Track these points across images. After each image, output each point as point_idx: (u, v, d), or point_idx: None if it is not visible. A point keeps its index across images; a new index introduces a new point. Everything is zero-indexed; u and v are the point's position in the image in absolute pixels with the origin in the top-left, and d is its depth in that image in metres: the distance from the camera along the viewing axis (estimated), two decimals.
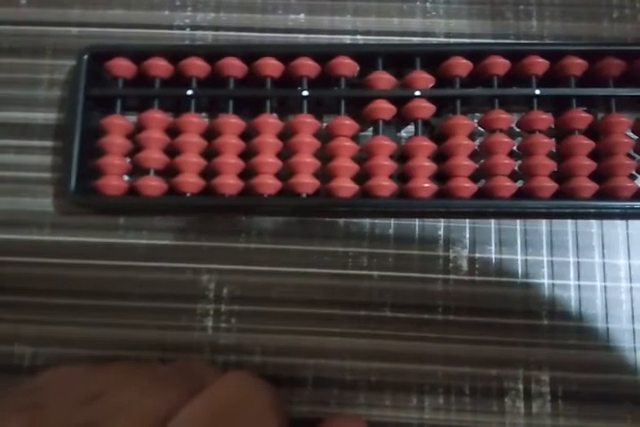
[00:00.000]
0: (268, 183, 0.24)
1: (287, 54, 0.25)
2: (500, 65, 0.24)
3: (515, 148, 0.25)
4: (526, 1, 0.27)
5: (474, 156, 0.24)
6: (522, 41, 0.26)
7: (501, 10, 0.27)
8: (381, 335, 0.23)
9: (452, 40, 0.27)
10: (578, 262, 0.24)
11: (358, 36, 0.27)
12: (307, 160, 0.24)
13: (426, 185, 0.23)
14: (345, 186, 0.24)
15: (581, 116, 0.24)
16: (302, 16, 0.27)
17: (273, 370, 0.23)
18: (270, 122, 0.24)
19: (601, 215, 0.24)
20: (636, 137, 0.25)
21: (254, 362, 0.23)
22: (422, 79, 0.24)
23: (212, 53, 0.25)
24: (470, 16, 0.27)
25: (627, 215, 0.24)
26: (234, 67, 0.25)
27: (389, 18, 0.27)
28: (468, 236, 0.24)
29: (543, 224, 0.24)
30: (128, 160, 0.25)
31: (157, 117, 0.24)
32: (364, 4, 0.27)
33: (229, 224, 0.25)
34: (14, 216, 0.25)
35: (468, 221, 0.25)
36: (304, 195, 0.24)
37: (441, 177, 0.24)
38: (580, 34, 0.27)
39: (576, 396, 0.23)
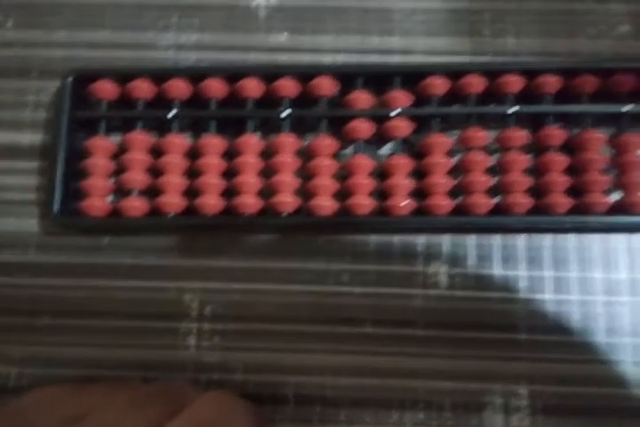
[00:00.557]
0: (249, 203, 0.24)
1: (268, 75, 0.25)
2: (477, 83, 0.25)
3: (492, 164, 0.25)
4: (503, 18, 0.28)
5: (453, 172, 0.25)
6: (499, 58, 0.27)
7: (479, 27, 0.28)
8: (363, 351, 0.24)
9: (431, 58, 0.27)
10: (555, 277, 0.25)
11: (340, 55, 0.27)
12: (287, 179, 0.24)
13: (403, 203, 0.24)
14: (325, 204, 0.24)
15: (556, 134, 0.24)
16: (285, 35, 0.28)
17: (255, 388, 0.24)
18: (252, 142, 0.25)
19: (578, 230, 0.25)
20: (611, 152, 0.25)
21: (236, 380, 0.24)
22: (401, 98, 0.25)
23: (195, 75, 0.25)
24: (448, 34, 0.27)
25: (603, 229, 0.25)
26: (216, 88, 0.25)
27: (370, 36, 0.27)
28: (446, 251, 0.25)
29: (521, 239, 0.25)
30: (112, 181, 0.25)
31: (140, 139, 0.25)
32: (345, 23, 0.28)
33: (212, 243, 0.25)
34: None
35: (446, 236, 0.25)
36: (285, 214, 0.24)
37: (420, 194, 0.25)
38: (557, 50, 0.27)
39: (554, 409, 0.23)
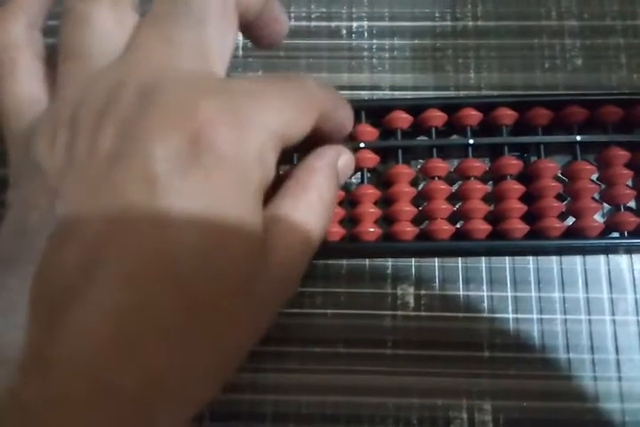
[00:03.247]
0: None
1: None
2: (438, 117, 0.27)
3: (453, 192, 0.27)
4: (465, 54, 0.30)
5: (416, 200, 0.26)
6: (460, 92, 0.29)
7: (442, 63, 0.30)
8: (335, 370, 0.25)
9: (397, 93, 0.29)
10: (515, 297, 0.26)
11: None
12: None
13: (371, 229, 0.25)
14: None
15: (512, 163, 0.26)
16: (259, 73, 0.30)
17: (233, 407, 0.25)
18: None
19: (535, 253, 0.26)
20: (565, 180, 0.27)
21: (215, 399, 0.25)
22: (367, 132, 0.27)
23: None
24: (414, 70, 0.30)
25: (558, 252, 0.26)
26: None
27: (339, 73, 0.30)
28: (413, 274, 0.26)
29: (482, 261, 0.26)
30: None
31: None
32: (316, 60, 0.30)
33: None
34: None
35: (413, 260, 0.27)
36: None
37: (387, 221, 0.26)
38: (515, 84, 0.29)
39: (517, 423, 0.25)
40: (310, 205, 0.18)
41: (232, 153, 0.15)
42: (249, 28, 0.18)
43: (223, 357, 0.16)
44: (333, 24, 0.30)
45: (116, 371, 0.13)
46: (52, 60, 0.18)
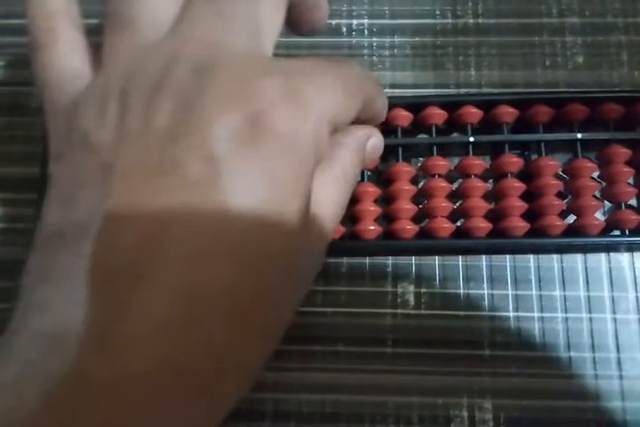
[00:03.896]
0: None
1: None
2: (438, 115, 0.27)
3: (453, 190, 0.27)
4: (465, 52, 0.30)
5: (417, 198, 0.26)
6: (460, 90, 0.29)
7: (442, 61, 0.30)
8: (336, 369, 0.25)
9: (397, 91, 0.29)
10: (516, 295, 0.26)
11: None
12: None
13: (371, 228, 0.25)
14: None
15: (513, 161, 0.26)
16: None
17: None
18: None
19: (535, 251, 0.26)
20: (566, 178, 0.27)
21: None
22: None
23: None
24: (414, 68, 0.29)
25: (559, 250, 0.26)
26: None
27: None
28: (414, 272, 0.26)
29: (483, 260, 0.26)
30: None
31: None
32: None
33: None
34: None
35: (413, 258, 0.27)
36: None
37: (387, 219, 0.26)
38: (515, 81, 0.29)
39: (517, 421, 0.25)
40: (334, 181, 0.17)
41: (291, 135, 0.14)
42: (291, 11, 0.18)
43: (268, 340, 0.16)
44: (334, 22, 0.30)
45: (181, 349, 0.13)
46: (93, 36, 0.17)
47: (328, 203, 0.17)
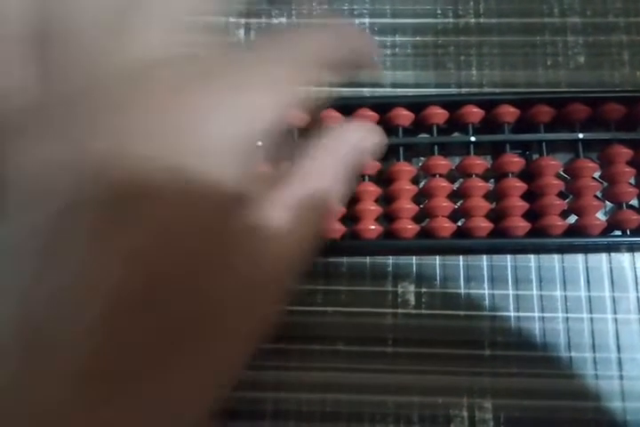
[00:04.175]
0: None
1: None
2: (439, 115, 0.27)
3: (454, 190, 0.27)
4: (467, 52, 0.30)
5: (417, 198, 0.26)
6: (462, 90, 0.29)
7: (443, 60, 0.29)
8: (335, 368, 0.25)
9: (398, 90, 0.29)
10: (516, 295, 0.26)
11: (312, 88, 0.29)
12: None
13: (372, 227, 0.25)
14: None
15: (514, 161, 0.26)
16: None
17: (234, 404, 0.25)
18: None
19: (536, 251, 0.26)
20: (567, 178, 0.27)
21: None
22: None
23: None
24: (415, 67, 0.29)
25: (560, 250, 0.26)
26: None
27: None
28: (414, 272, 0.26)
29: (484, 259, 0.26)
30: None
31: None
32: None
33: None
34: None
35: (414, 258, 0.27)
36: None
37: (388, 219, 0.26)
38: (517, 81, 0.29)
39: (517, 421, 0.25)
40: (324, 168, 0.16)
41: None
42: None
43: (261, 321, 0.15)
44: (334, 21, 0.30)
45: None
46: None
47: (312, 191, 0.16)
